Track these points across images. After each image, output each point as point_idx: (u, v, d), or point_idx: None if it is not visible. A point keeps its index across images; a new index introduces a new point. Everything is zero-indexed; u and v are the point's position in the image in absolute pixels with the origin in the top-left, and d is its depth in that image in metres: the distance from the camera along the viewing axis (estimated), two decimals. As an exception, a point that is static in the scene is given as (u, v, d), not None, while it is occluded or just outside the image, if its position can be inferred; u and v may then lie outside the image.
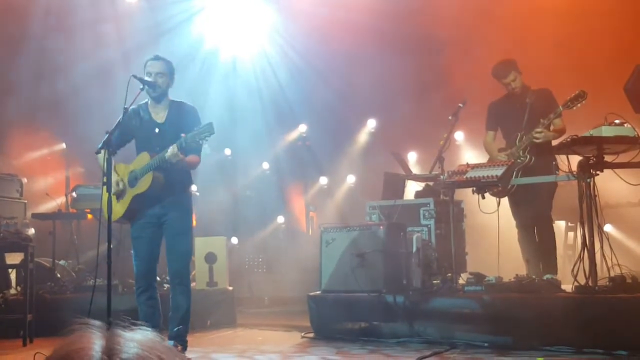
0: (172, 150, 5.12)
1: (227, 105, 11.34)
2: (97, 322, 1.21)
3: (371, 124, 12.00)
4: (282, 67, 11.50)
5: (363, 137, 12.06)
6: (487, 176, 6.37)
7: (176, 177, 5.37)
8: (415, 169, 9.64)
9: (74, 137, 10.60)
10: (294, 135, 12.11)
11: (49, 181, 10.56)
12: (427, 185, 7.66)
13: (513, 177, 6.63)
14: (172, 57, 5.69)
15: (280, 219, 11.54)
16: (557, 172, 6.23)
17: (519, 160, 6.65)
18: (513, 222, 7.05)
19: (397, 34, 10.62)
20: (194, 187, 8.41)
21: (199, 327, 7.45)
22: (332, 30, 10.66)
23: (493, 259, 6.95)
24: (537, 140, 6.51)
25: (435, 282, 6.70)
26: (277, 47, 11.49)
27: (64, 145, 10.97)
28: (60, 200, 9.64)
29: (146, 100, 5.57)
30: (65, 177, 10.73)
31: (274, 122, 11.74)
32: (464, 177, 6.49)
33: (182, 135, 5.12)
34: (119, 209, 5.41)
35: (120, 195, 5.43)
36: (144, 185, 5.32)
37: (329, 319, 6.74)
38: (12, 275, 7.92)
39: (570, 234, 9.30)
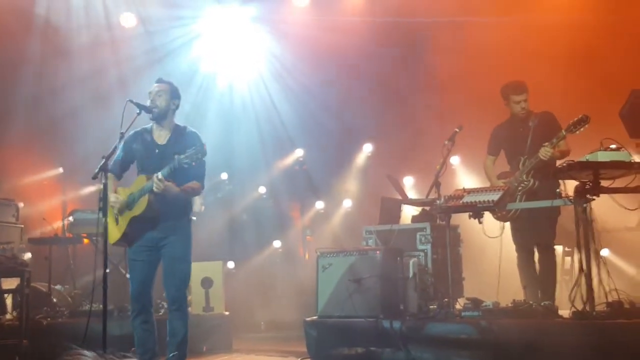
0: (156, 179, 5.13)
1: (224, 130, 11.36)
2: (90, 354, 1.21)
3: (367, 148, 12.02)
4: (278, 91, 11.54)
5: (359, 161, 12.07)
6: (484, 201, 6.37)
7: (174, 200, 5.35)
8: (411, 194, 9.65)
9: (70, 161, 10.60)
10: (290, 159, 12.11)
11: (45, 206, 10.54)
12: (423, 210, 7.66)
13: (517, 201, 6.64)
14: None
15: (277, 244, 11.50)
16: (562, 197, 6.22)
17: (523, 185, 6.67)
18: (511, 247, 7.04)
19: (394, 59, 10.69)
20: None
21: (195, 352, 7.40)
22: (328, 55, 10.73)
23: (490, 284, 6.94)
24: (544, 158, 6.53)
25: (432, 307, 6.68)
26: (273, 72, 11.53)
27: (60, 170, 10.95)
28: (56, 225, 9.62)
29: (151, 124, 5.60)
30: (61, 201, 10.71)
31: (270, 146, 11.76)
32: (461, 201, 6.50)
33: (175, 156, 5.13)
34: (116, 232, 5.41)
35: (118, 216, 5.43)
36: (139, 208, 5.31)
37: (326, 344, 6.69)
38: (8, 300, 7.87)
39: (567, 259, 9.29)
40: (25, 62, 10.20)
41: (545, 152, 6.52)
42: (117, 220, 5.41)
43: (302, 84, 11.35)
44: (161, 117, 5.51)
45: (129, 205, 5.40)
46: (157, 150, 5.47)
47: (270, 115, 11.63)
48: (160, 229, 5.39)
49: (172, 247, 5.40)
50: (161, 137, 5.53)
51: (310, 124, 11.49)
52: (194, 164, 5.10)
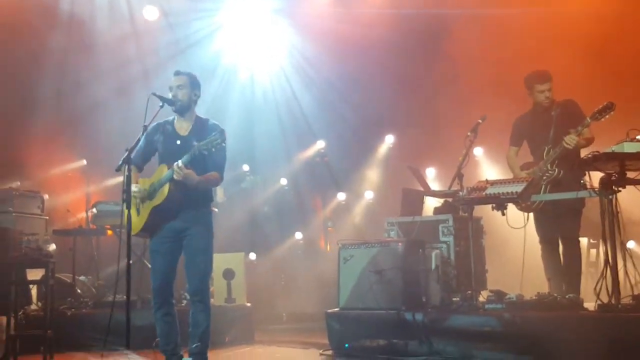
0: (176, 167, 5.13)
1: (245, 122, 11.38)
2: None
3: (389, 139, 11.98)
4: (299, 83, 11.53)
5: (381, 152, 12.04)
6: (507, 192, 6.31)
7: (194, 189, 5.34)
8: (433, 185, 9.58)
9: (94, 153, 10.66)
10: (311, 151, 12.09)
11: (69, 197, 10.61)
12: (446, 202, 7.60)
13: (541, 192, 6.57)
14: (190, 73, 5.72)
15: (298, 235, 11.50)
16: (587, 188, 6.13)
17: (547, 174, 6.59)
18: (535, 239, 6.97)
19: (415, 51, 10.62)
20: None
21: (217, 343, 7.40)
22: (349, 47, 10.68)
23: (514, 277, 6.88)
24: (569, 146, 6.45)
25: (454, 299, 6.64)
26: (294, 64, 11.53)
27: (84, 162, 11.02)
28: (80, 217, 9.69)
29: (173, 116, 5.61)
30: (85, 193, 10.78)
31: (291, 138, 11.75)
32: (484, 193, 6.45)
33: (195, 143, 5.13)
34: (137, 222, 5.41)
35: (140, 206, 5.44)
36: (160, 197, 5.32)
37: (348, 336, 6.68)
38: (33, 291, 7.95)
39: (593, 251, 9.19)
40: (50, 56, 10.26)
41: (570, 139, 6.43)
42: (138, 211, 5.42)
43: (323, 76, 11.33)
44: (184, 109, 5.53)
45: (150, 195, 5.41)
46: (178, 141, 5.47)
47: (291, 107, 11.63)
48: (181, 219, 5.39)
49: (193, 239, 5.39)
50: (182, 128, 5.54)
51: (331, 115, 11.47)
52: (213, 149, 5.09)
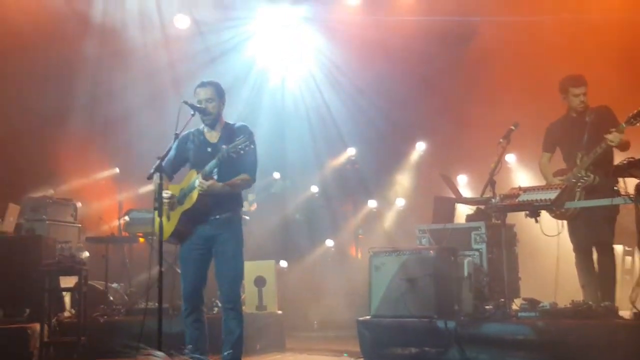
0: (198, 184, 5.21)
1: (276, 129, 11.42)
2: (160, 354, 1.21)
3: (420, 146, 11.94)
4: (329, 90, 11.55)
5: (412, 159, 12.00)
6: (541, 199, 6.26)
7: (224, 195, 5.37)
8: (465, 192, 9.53)
9: (126, 162, 10.77)
10: (342, 158, 12.11)
11: (102, 205, 10.73)
12: (478, 209, 7.57)
13: (576, 198, 6.51)
14: (221, 82, 5.74)
15: (329, 243, 11.51)
16: (622, 195, 6.06)
17: (582, 181, 6.53)
18: (569, 247, 6.90)
19: (446, 56, 10.57)
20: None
21: (248, 351, 7.40)
22: (378, 53, 10.69)
23: (547, 285, 6.82)
24: (613, 144, 6.38)
25: (487, 307, 6.59)
26: (324, 71, 11.55)
27: (117, 170, 11.14)
28: (113, 224, 9.79)
29: (202, 126, 5.65)
30: (117, 201, 10.88)
31: (322, 145, 11.77)
32: (517, 200, 6.41)
33: (223, 146, 5.16)
34: (167, 227, 5.43)
35: (170, 212, 5.48)
36: (190, 201, 5.36)
37: (379, 344, 6.66)
38: (67, 298, 8.05)
39: (628, 259, 9.07)
40: (83, 64, 10.41)
41: (614, 137, 6.35)
42: (168, 217, 5.46)
43: (353, 82, 11.34)
44: (215, 122, 5.56)
45: (179, 200, 5.45)
46: (209, 149, 5.50)
47: (321, 113, 11.65)
48: (210, 225, 5.41)
49: (223, 245, 5.42)
50: (213, 136, 5.58)
51: (362, 122, 11.46)
52: (242, 152, 5.12)
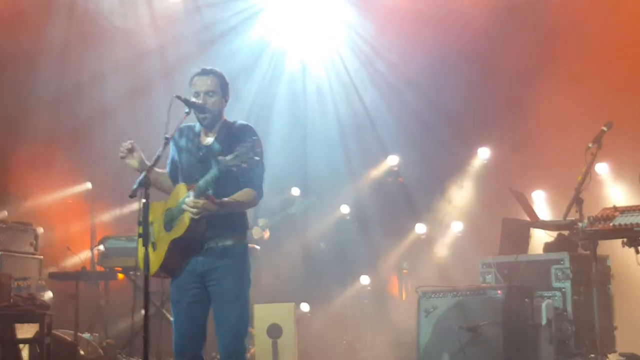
0: (187, 207, 5.14)
1: (295, 132, 11.46)
2: None
3: (483, 153, 11.89)
4: (364, 80, 11.57)
5: (473, 171, 11.95)
6: (643, 223, 6.25)
7: (224, 216, 5.31)
8: (543, 213, 9.49)
9: (101, 174, 10.84)
10: (382, 169, 12.11)
11: (70, 231, 10.80)
12: (560, 235, 7.54)
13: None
14: (224, 71, 5.75)
15: (365, 280, 11.50)
16: None
17: None
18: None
19: (516, 34, 10.54)
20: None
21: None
22: (430, 32, 10.68)
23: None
24: None
25: (573, 365, 6.57)
26: (357, 54, 11.57)
27: (89, 185, 11.22)
28: (84, 256, 9.84)
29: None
30: (90, 225, 10.94)
31: (355, 151, 11.79)
32: (611, 224, 6.38)
33: (219, 158, 5.12)
34: (154, 259, 5.36)
35: (156, 239, 5.46)
36: (180, 227, 5.31)
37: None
38: (25, 352, 8.08)
39: None
40: (46, 53, 10.50)
41: None
42: (154, 245, 5.45)
43: (396, 69, 11.34)
44: (215, 122, 5.54)
45: (167, 225, 5.42)
46: (200, 153, 5.48)
47: (354, 111, 11.66)
48: (205, 256, 5.36)
49: (221, 283, 5.32)
50: (207, 137, 5.56)
51: (407, 122, 11.46)
52: (244, 165, 5.05)
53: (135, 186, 5.06)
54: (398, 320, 9.79)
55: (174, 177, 5.59)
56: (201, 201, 5.11)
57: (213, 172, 5.12)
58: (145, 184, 5.03)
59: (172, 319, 5.56)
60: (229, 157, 5.01)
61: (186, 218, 5.21)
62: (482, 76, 10.97)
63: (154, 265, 5.37)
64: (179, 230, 5.29)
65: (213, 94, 5.48)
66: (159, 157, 5.27)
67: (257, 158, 5.02)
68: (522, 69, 10.62)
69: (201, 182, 5.15)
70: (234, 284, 5.38)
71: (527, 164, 10.70)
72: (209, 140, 5.48)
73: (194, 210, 5.11)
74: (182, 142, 5.56)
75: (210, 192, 5.21)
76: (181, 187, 5.36)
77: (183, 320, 5.44)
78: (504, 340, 6.46)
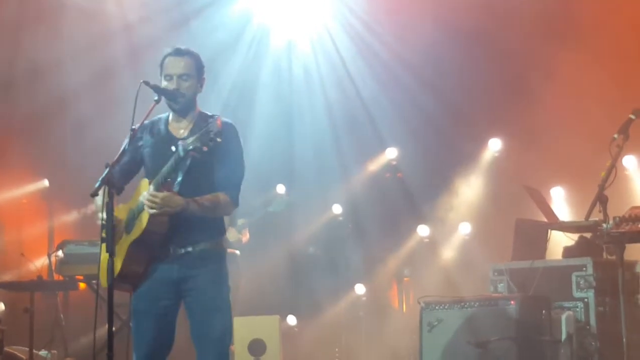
0: (144, 198, 5.10)
1: (281, 121, 11.44)
2: None
3: (494, 145, 11.88)
4: (358, 61, 11.55)
5: (483, 165, 11.95)
6: (677, 224, 6.25)
7: (194, 217, 5.25)
8: (563, 213, 9.49)
9: (60, 170, 10.81)
10: (379, 163, 12.10)
11: (24, 235, 10.76)
12: (581, 239, 7.54)
13: None
14: (200, 52, 5.71)
15: (360, 289, 11.50)
16: None
17: None
18: None
19: (538, 24, 10.55)
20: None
21: None
22: (434, 10, 10.68)
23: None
24: None
25: (597, 385, 6.57)
26: (350, 32, 11.55)
27: (46, 182, 11.19)
28: (40, 263, 9.81)
29: (168, 112, 5.61)
30: (47, 228, 10.91)
31: (348, 144, 11.77)
32: (640, 225, 6.38)
33: (179, 142, 5.05)
34: (114, 265, 5.36)
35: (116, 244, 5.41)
36: (138, 228, 5.25)
37: None
38: (-28, 373, 8.08)
39: None
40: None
41: None
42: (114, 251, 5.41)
43: (394, 50, 11.33)
44: (188, 108, 5.50)
45: (127, 226, 5.38)
46: (173, 148, 5.43)
47: (347, 98, 11.64)
48: (178, 263, 5.34)
49: (198, 293, 5.32)
50: (181, 128, 5.50)
51: (407, 110, 11.44)
52: (205, 148, 4.99)
53: (97, 184, 5.05)
54: (398, 335, 9.80)
55: (117, 179, 5.29)
56: (160, 194, 5.09)
57: (170, 162, 5.10)
58: (109, 182, 5.01)
59: (133, 331, 5.51)
60: (189, 140, 4.97)
61: (144, 216, 5.17)
62: (487, 56, 10.96)
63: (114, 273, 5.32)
64: (137, 231, 5.26)
65: (187, 77, 5.44)
66: (124, 151, 5.24)
67: (219, 140, 4.95)
68: (535, 47, 10.63)
69: (161, 173, 5.14)
70: (216, 293, 5.38)
71: (543, 157, 10.69)
72: (183, 132, 5.44)
73: (152, 204, 5.06)
74: (146, 139, 5.51)
75: (176, 187, 5.20)
76: (144, 182, 5.32)
77: (153, 333, 5.40)
78: (518, 357, 6.47)
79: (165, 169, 5.12)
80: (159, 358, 5.45)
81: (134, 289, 5.45)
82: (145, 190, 5.21)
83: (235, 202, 5.40)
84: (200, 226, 5.33)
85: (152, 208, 5.07)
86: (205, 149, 4.95)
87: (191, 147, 4.96)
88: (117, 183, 5.18)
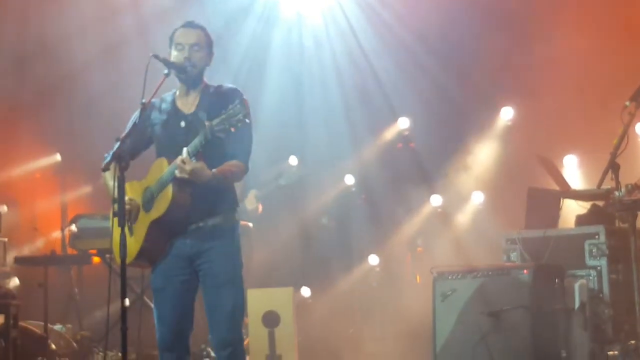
0: (180, 161, 5.09)
1: (291, 93, 11.41)
2: None
3: (506, 114, 11.84)
4: (369, 32, 11.51)
5: (495, 134, 11.91)
6: (689, 191, 6.23)
7: (212, 191, 5.31)
8: (575, 182, 9.47)
9: (72, 144, 10.82)
10: (391, 133, 12.08)
11: (37, 209, 10.79)
12: (594, 207, 7.52)
13: None
14: (211, 22, 5.72)
15: (373, 260, 11.51)
16: None
17: None
18: None
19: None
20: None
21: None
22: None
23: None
24: None
25: (610, 353, 6.56)
26: (359, 1, 11.51)
27: (58, 157, 11.20)
28: (53, 237, 9.83)
29: (174, 90, 5.62)
30: (60, 202, 10.92)
31: (360, 115, 11.75)
32: (653, 193, 6.37)
33: (207, 123, 5.07)
34: (132, 245, 5.38)
35: (133, 224, 5.43)
36: (161, 206, 5.29)
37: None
38: (-12, 346, 8.12)
39: None
40: (2, 9, 10.43)
41: None
42: (131, 230, 5.43)
43: (405, 20, 11.28)
44: (197, 80, 5.51)
45: (145, 205, 5.40)
46: (182, 123, 5.43)
47: (359, 68, 11.61)
48: (192, 237, 5.37)
49: (212, 266, 5.36)
50: (188, 103, 5.50)
51: (419, 80, 11.40)
52: (232, 129, 5.01)
53: (108, 159, 5.07)
54: (411, 305, 9.80)
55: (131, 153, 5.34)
56: (197, 164, 5.09)
57: (199, 138, 5.10)
58: (120, 156, 5.02)
59: (154, 308, 5.56)
60: (215, 121, 4.98)
61: (167, 197, 5.19)
62: (505, 26, 10.90)
63: (132, 252, 5.35)
64: (160, 208, 5.27)
65: (199, 48, 5.49)
66: (135, 125, 5.26)
67: (247, 120, 4.99)
68: (554, 20, 10.56)
69: (191, 146, 5.13)
70: (229, 267, 5.42)
71: (556, 125, 10.66)
72: (191, 107, 5.45)
73: (187, 168, 5.05)
74: (153, 117, 5.52)
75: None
76: (162, 161, 5.34)
77: (169, 310, 5.46)
78: (532, 326, 6.47)
79: (194, 144, 5.11)
80: (182, 338, 5.49)
81: (151, 266, 5.49)
82: (161, 171, 5.26)
83: (246, 168, 5.43)
84: (214, 200, 5.36)
85: (184, 173, 5.06)
86: (232, 130, 5.00)
87: (219, 128, 5.00)
88: (126, 157, 5.18)
